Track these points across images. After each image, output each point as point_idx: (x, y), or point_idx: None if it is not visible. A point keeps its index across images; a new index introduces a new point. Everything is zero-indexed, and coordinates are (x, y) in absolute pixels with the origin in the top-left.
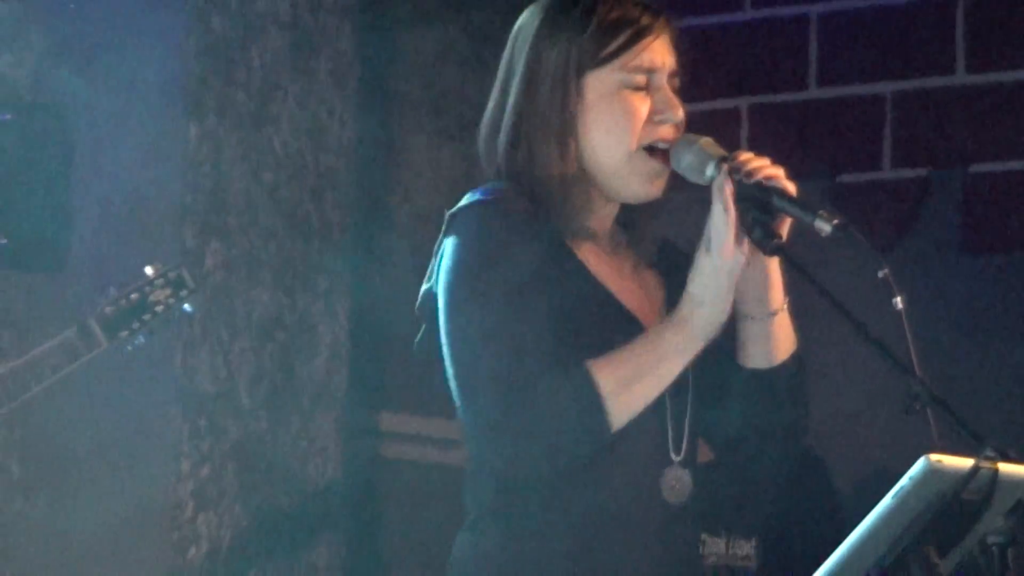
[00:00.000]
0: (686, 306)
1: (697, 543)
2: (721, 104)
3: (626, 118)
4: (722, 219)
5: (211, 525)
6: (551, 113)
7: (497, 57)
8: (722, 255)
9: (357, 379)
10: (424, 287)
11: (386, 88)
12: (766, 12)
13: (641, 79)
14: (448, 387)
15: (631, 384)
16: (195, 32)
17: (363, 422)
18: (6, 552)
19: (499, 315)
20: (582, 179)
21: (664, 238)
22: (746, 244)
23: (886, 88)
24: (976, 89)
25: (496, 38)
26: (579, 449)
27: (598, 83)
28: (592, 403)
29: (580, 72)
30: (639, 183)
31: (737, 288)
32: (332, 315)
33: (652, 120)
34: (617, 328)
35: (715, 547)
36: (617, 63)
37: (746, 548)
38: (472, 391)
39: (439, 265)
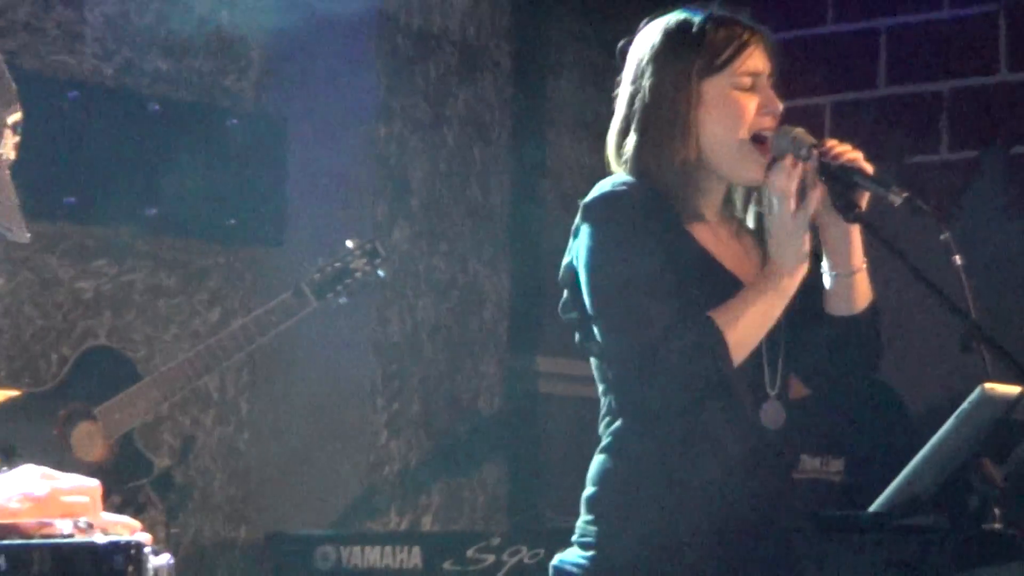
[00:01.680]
0: (773, 259)
1: (792, 463)
2: (809, 102)
3: (737, 113)
4: (783, 186)
5: (400, 449)
6: (676, 114)
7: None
8: (787, 215)
9: (517, 329)
10: (565, 261)
11: (536, 92)
12: (845, 26)
13: (747, 81)
14: (586, 341)
15: (744, 325)
16: (383, 50)
17: (522, 364)
18: (237, 475)
19: (633, 283)
20: (700, 166)
21: (758, 212)
22: (810, 205)
23: (943, 86)
24: (1017, 84)
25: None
26: (707, 383)
27: (713, 88)
28: (716, 343)
29: (698, 81)
30: (746, 166)
31: (825, 249)
32: (496, 277)
33: (757, 114)
34: (725, 290)
35: (811, 464)
36: (727, 71)
37: (837, 465)
38: (616, 343)
39: (577, 245)
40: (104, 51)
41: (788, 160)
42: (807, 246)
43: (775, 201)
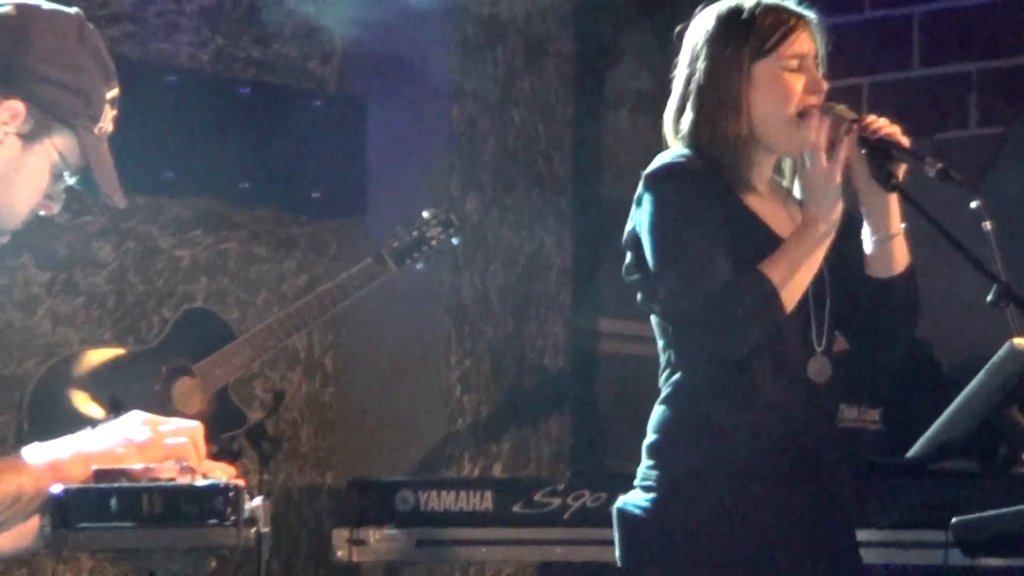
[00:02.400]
0: (808, 208)
1: (836, 413)
2: (848, 82)
3: (785, 93)
4: (813, 141)
5: (472, 403)
6: (729, 94)
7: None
8: (820, 167)
9: (579, 293)
10: (628, 227)
11: (595, 75)
12: (881, 13)
13: (794, 63)
14: (647, 300)
15: (791, 273)
16: (455, 38)
17: (584, 325)
18: (323, 426)
19: (692, 244)
20: (751, 140)
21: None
22: (839, 156)
23: (972, 67)
24: None
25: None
26: (765, 331)
27: (763, 69)
28: (770, 294)
29: (749, 64)
30: (794, 139)
31: (865, 216)
32: (559, 245)
33: (804, 93)
34: (773, 251)
35: (849, 414)
36: (775, 54)
37: (874, 415)
38: (678, 301)
39: (640, 212)
40: (200, 39)
41: (816, 118)
42: (839, 196)
43: (807, 156)
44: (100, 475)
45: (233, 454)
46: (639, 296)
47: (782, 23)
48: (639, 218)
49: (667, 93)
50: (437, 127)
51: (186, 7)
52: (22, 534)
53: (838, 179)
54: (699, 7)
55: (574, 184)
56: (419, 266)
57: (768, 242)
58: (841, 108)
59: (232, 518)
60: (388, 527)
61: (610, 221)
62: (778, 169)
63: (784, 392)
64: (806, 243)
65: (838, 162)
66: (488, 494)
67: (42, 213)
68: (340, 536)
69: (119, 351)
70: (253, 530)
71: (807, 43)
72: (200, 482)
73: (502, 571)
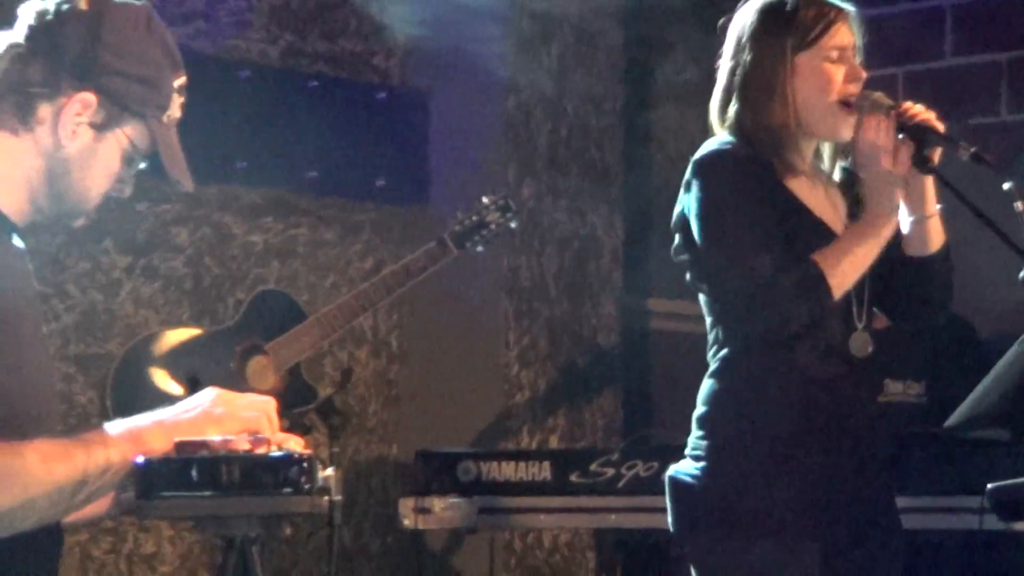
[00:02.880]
0: (871, 207)
1: (878, 387)
2: (884, 72)
3: (826, 82)
4: (878, 143)
5: (529, 378)
6: (774, 84)
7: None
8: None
9: (630, 274)
10: (677, 210)
11: (643, 68)
12: (914, 5)
13: (835, 54)
14: (695, 280)
15: (844, 267)
16: (511, 33)
17: (635, 305)
18: (389, 401)
19: (741, 227)
20: (793, 126)
21: (843, 167)
22: (902, 159)
23: (1002, 56)
24: None
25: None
26: (809, 318)
27: (805, 60)
28: (819, 282)
29: (792, 55)
30: (836, 126)
31: (903, 198)
32: (611, 228)
33: (844, 82)
34: (817, 236)
35: (894, 388)
36: (817, 46)
37: (917, 388)
38: (727, 281)
39: (689, 196)
40: (270, 36)
41: (878, 120)
42: (900, 196)
43: (871, 157)
44: (181, 447)
45: (304, 428)
46: (688, 276)
47: (823, 16)
48: (688, 202)
49: (712, 85)
50: (494, 118)
51: (256, 5)
52: (98, 502)
53: (900, 179)
54: (741, 2)
55: (624, 171)
56: (479, 249)
57: (809, 224)
58: (879, 96)
59: (306, 487)
60: (452, 496)
61: (658, 206)
62: (817, 154)
63: (827, 367)
64: (865, 241)
65: (902, 164)
66: (546, 464)
67: (114, 195)
68: (406, 505)
69: (196, 331)
70: (325, 498)
71: (847, 35)
72: (275, 453)
73: (559, 537)
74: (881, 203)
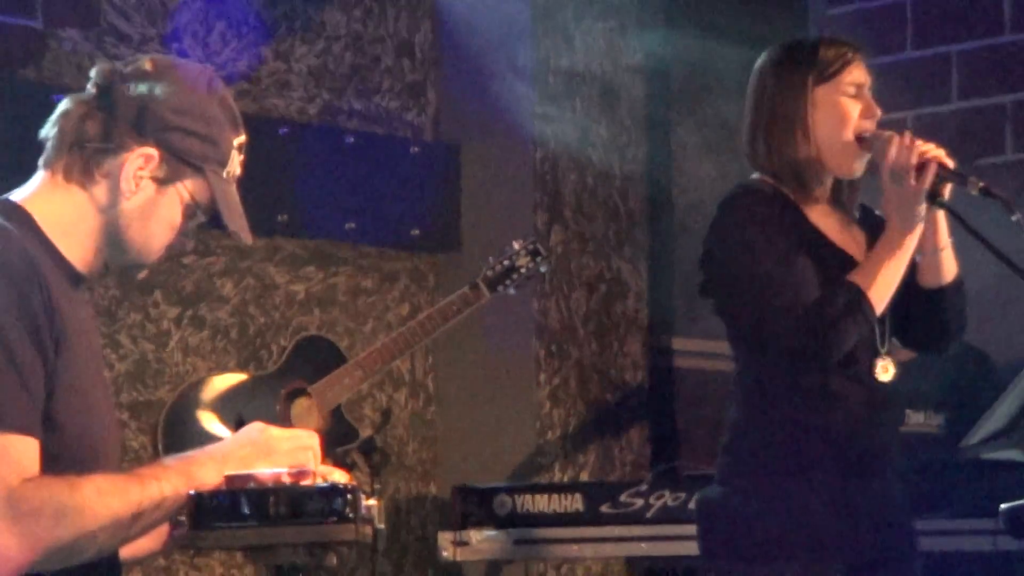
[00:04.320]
0: (894, 222)
1: (900, 412)
2: (894, 116)
3: (843, 116)
4: (904, 161)
5: (560, 416)
6: (794, 117)
7: (742, 93)
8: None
9: (655, 315)
10: (704, 248)
11: (664, 120)
12: (922, 53)
13: (852, 90)
14: (725, 316)
15: (879, 281)
16: (537, 87)
17: (660, 344)
18: (427, 441)
19: (774, 261)
20: (813, 160)
21: (861, 203)
22: (927, 176)
23: (1006, 99)
24: None
25: (739, 77)
26: (861, 333)
27: (824, 94)
28: (862, 300)
29: (812, 88)
30: (850, 161)
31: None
32: (635, 272)
33: (861, 117)
34: (842, 266)
35: (915, 419)
36: (836, 80)
37: (937, 419)
38: (771, 313)
39: (715, 234)
40: (307, 95)
41: (903, 140)
42: (922, 211)
43: (897, 175)
44: (231, 480)
45: (347, 466)
46: (715, 307)
47: (842, 55)
48: (715, 240)
49: (728, 134)
50: (523, 168)
51: (294, 67)
52: (153, 538)
53: (922, 194)
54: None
55: (648, 217)
56: (511, 292)
57: (835, 258)
58: (891, 134)
59: (351, 515)
60: (488, 529)
61: (680, 249)
62: (837, 188)
63: (852, 391)
64: (892, 254)
65: (922, 183)
66: (578, 496)
67: (177, 247)
68: (445, 538)
69: (242, 376)
70: (368, 527)
71: (863, 74)
72: (321, 484)
73: (592, 568)
74: (905, 218)
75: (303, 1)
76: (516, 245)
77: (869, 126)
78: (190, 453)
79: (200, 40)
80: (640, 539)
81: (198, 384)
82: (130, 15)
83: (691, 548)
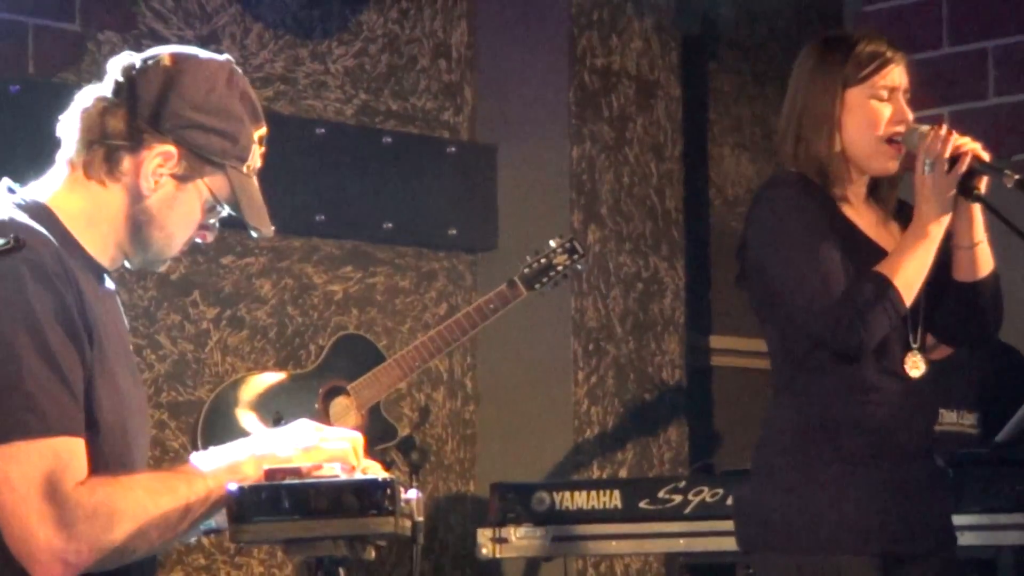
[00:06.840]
0: (922, 209)
1: (932, 408)
2: (931, 112)
3: (872, 120)
4: (937, 150)
5: (599, 414)
6: (825, 117)
7: (776, 92)
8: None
9: (692, 313)
10: (740, 240)
11: (701, 117)
12: (958, 48)
13: (884, 93)
14: (759, 307)
15: (907, 270)
16: (574, 86)
17: (697, 342)
18: (465, 439)
19: (807, 251)
20: (843, 160)
21: (899, 198)
22: (960, 166)
23: None
24: None
25: (774, 76)
26: (891, 322)
27: (856, 96)
28: (890, 289)
29: (844, 89)
30: (880, 161)
31: (951, 226)
32: (672, 270)
33: (889, 123)
34: (871, 257)
35: (949, 418)
36: (868, 83)
37: (971, 419)
38: (803, 303)
39: (752, 226)
40: (345, 95)
41: (939, 130)
42: (951, 200)
43: (929, 163)
44: (272, 474)
45: (385, 464)
46: (751, 301)
47: (879, 55)
48: (751, 230)
49: (764, 131)
50: (559, 167)
51: (331, 68)
52: None
53: (953, 185)
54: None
55: (684, 215)
56: (548, 290)
57: (868, 251)
58: (926, 128)
59: (390, 509)
60: (527, 526)
61: (717, 247)
62: (879, 184)
63: (885, 384)
64: (920, 241)
65: (955, 172)
66: (616, 493)
67: (198, 240)
68: (484, 535)
69: (281, 375)
70: (407, 520)
71: (900, 77)
72: (360, 477)
73: (631, 565)
74: (932, 205)
75: (340, 2)
76: (553, 243)
77: (900, 130)
78: (231, 446)
79: (238, 42)
80: (678, 535)
81: (237, 383)
82: (167, 17)
83: (729, 544)
